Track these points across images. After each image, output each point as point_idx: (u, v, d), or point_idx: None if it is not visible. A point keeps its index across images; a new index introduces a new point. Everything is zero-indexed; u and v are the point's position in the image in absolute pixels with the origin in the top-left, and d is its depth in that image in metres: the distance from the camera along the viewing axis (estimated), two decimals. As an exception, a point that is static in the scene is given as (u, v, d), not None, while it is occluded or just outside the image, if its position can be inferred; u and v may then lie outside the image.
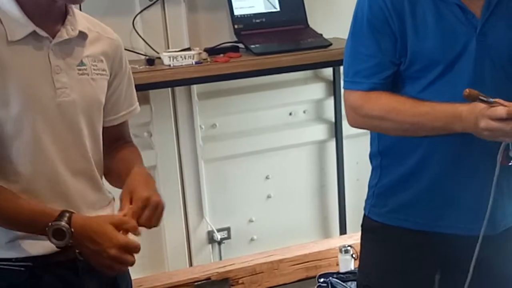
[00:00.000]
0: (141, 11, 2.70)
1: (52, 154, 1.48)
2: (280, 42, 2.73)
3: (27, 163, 1.46)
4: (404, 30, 1.66)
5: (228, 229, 3.07)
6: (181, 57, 2.55)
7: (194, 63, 2.55)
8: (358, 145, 3.03)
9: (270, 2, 2.81)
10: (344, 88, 1.77)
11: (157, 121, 2.84)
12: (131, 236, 1.48)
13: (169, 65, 2.54)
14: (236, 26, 2.73)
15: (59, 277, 1.52)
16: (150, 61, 2.57)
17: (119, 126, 1.70)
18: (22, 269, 1.48)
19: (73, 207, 1.50)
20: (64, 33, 1.49)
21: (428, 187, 1.74)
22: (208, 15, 2.81)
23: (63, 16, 1.51)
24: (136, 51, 2.68)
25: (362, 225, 1.91)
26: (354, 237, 2.94)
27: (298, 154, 3.12)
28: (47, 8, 1.47)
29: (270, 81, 2.94)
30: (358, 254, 2.02)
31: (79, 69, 1.53)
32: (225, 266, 2.87)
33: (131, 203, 1.49)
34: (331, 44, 2.73)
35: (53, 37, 1.48)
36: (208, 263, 3.00)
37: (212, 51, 2.67)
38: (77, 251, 1.48)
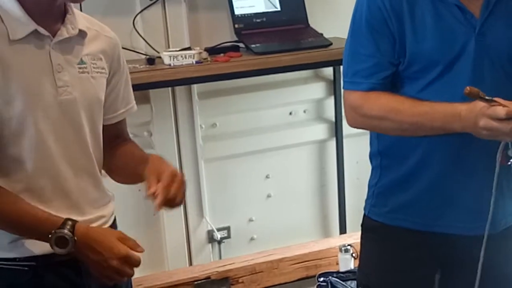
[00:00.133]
0: (142, 10, 2.70)
1: (54, 152, 1.49)
2: (280, 42, 2.73)
3: (30, 161, 1.46)
4: (403, 31, 1.66)
5: (228, 229, 3.07)
6: (181, 56, 2.55)
7: (194, 62, 2.55)
8: (358, 145, 3.02)
9: (271, 2, 2.80)
10: (344, 88, 1.77)
11: (157, 120, 2.83)
12: None
13: (170, 65, 2.54)
14: (236, 26, 2.73)
15: (62, 277, 1.53)
16: (151, 61, 2.57)
17: (117, 124, 1.70)
18: (26, 268, 1.48)
19: (75, 205, 1.51)
20: (65, 32, 1.50)
21: (428, 187, 1.74)
22: (208, 15, 2.81)
23: (62, 15, 1.51)
24: (137, 50, 2.68)
25: (362, 225, 1.91)
26: (354, 237, 2.94)
27: (298, 153, 3.12)
28: (47, 7, 1.47)
29: (271, 80, 2.94)
30: (358, 253, 2.02)
31: (80, 67, 1.53)
32: (225, 265, 2.87)
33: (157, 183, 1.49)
34: (331, 44, 2.73)
35: (54, 35, 1.48)
36: (208, 262, 2.99)
37: (213, 51, 2.66)
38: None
